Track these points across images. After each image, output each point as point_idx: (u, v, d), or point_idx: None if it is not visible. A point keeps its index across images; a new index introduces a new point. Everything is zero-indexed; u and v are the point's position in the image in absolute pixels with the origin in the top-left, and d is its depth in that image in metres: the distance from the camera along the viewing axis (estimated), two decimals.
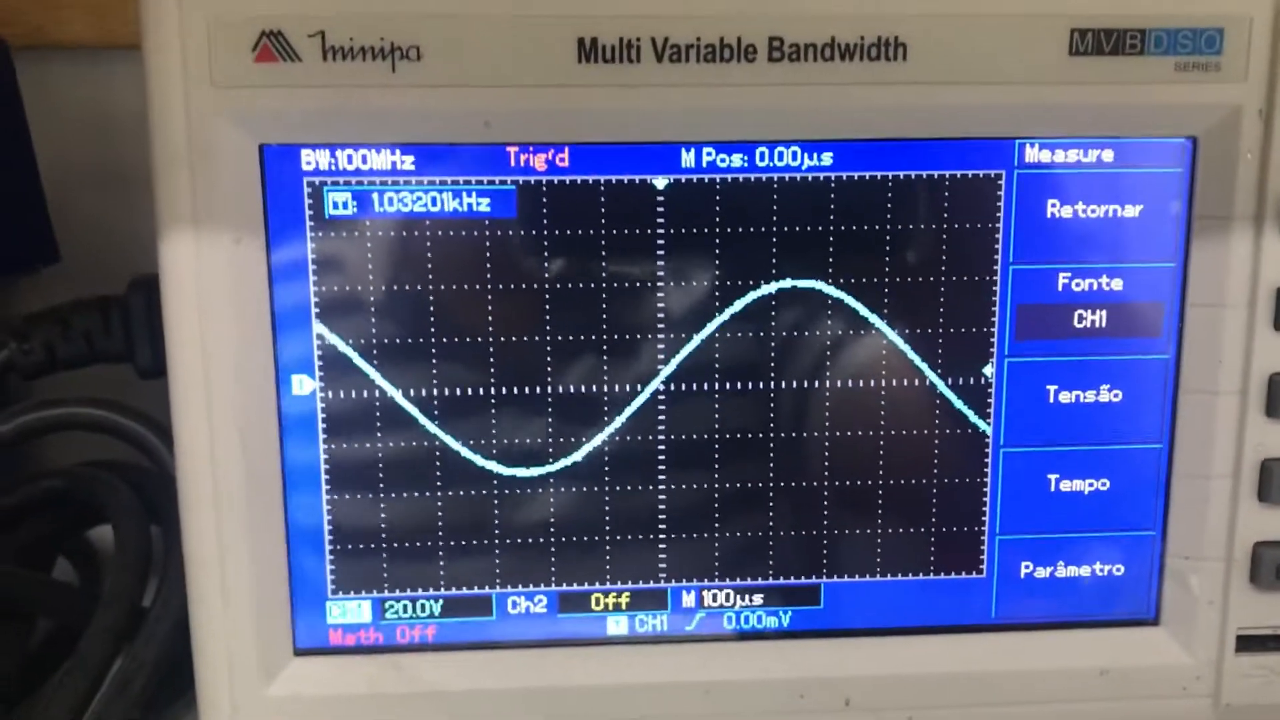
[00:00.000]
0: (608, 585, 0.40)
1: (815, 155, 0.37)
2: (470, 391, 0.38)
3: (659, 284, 0.38)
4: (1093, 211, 0.38)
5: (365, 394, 0.38)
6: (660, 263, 0.38)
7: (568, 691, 0.39)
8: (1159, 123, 0.37)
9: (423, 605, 0.40)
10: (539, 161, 0.37)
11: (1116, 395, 0.39)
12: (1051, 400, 0.39)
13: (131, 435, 0.45)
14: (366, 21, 0.35)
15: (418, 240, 0.37)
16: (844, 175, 0.37)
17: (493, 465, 0.39)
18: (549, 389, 0.39)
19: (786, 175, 0.37)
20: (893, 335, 0.39)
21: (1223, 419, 0.39)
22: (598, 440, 0.39)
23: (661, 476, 0.39)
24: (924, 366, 0.39)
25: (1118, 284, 0.39)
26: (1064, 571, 0.41)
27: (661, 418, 0.39)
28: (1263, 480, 0.39)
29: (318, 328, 0.38)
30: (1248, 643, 0.40)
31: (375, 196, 0.37)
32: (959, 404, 0.39)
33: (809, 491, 0.40)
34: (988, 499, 0.40)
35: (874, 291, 0.38)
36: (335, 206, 0.37)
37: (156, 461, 0.45)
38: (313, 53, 0.35)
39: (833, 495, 0.40)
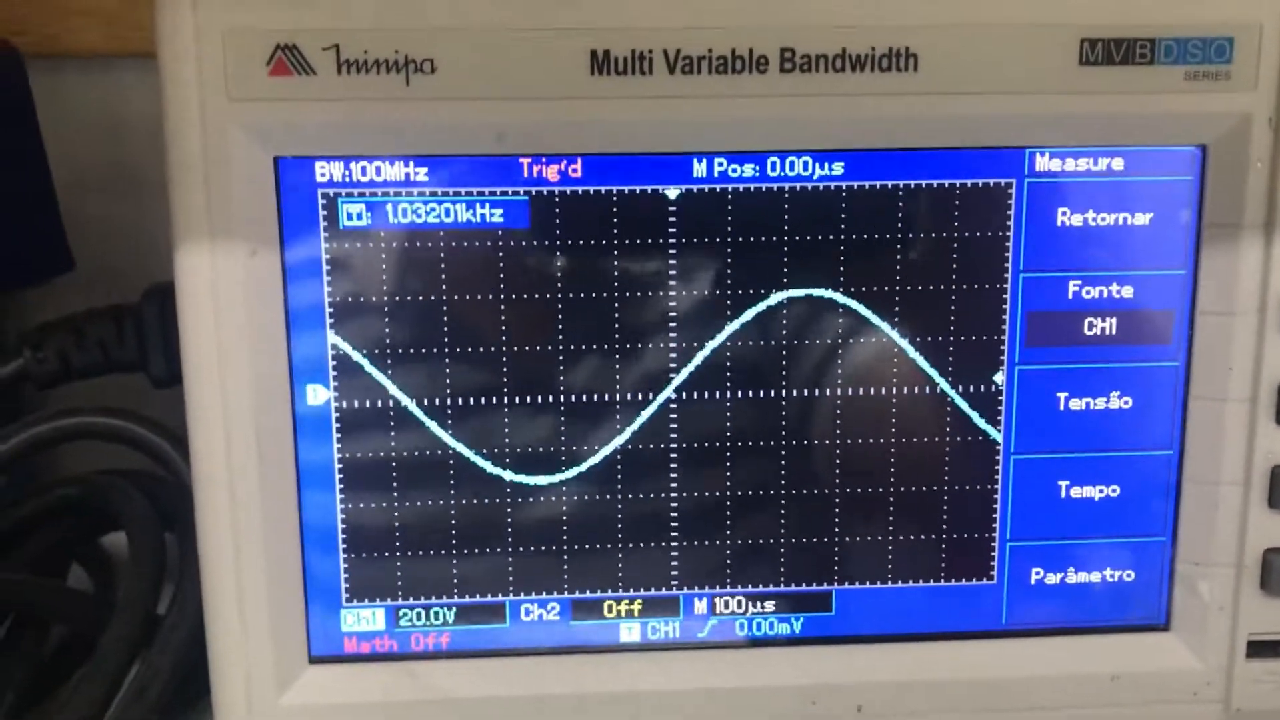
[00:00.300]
0: (620, 592, 0.40)
1: (826, 165, 0.37)
2: (483, 400, 0.39)
3: (671, 293, 0.38)
4: (1103, 220, 0.38)
5: (379, 403, 0.38)
6: (672, 272, 0.38)
7: (581, 698, 0.40)
8: (1169, 131, 0.38)
9: (436, 613, 0.40)
10: (552, 172, 0.37)
11: (1127, 402, 0.40)
12: (1062, 407, 0.39)
13: (146, 444, 0.45)
14: (380, 35, 0.35)
15: (431, 251, 0.37)
16: (855, 185, 0.38)
17: (506, 473, 0.39)
18: (561, 397, 0.39)
19: (798, 185, 0.38)
20: (903, 343, 0.39)
21: (1233, 426, 0.39)
22: (610, 448, 0.39)
23: (673, 484, 0.40)
24: (934, 374, 0.39)
25: (1128, 291, 0.39)
26: (1074, 577, 0.41)
27: (673, 425, 0.39)
28: (1273, 487, 0.39)
29: (332, 338, 0.38)
30: (1258, 648, 0.40)
31: (389, 208, 0.37)
32: (969, 411, 0.39)
33: (820, 498, 0.40)
34: (998, 505, 0.40)
35: (885, 300, 0.39)
36: (350, 218, 0.37)
37: (171, 470, 0.45)
38: (327, 66, 0.35)
39: (844, 502, 0.40)
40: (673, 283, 0.38)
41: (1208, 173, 0.38)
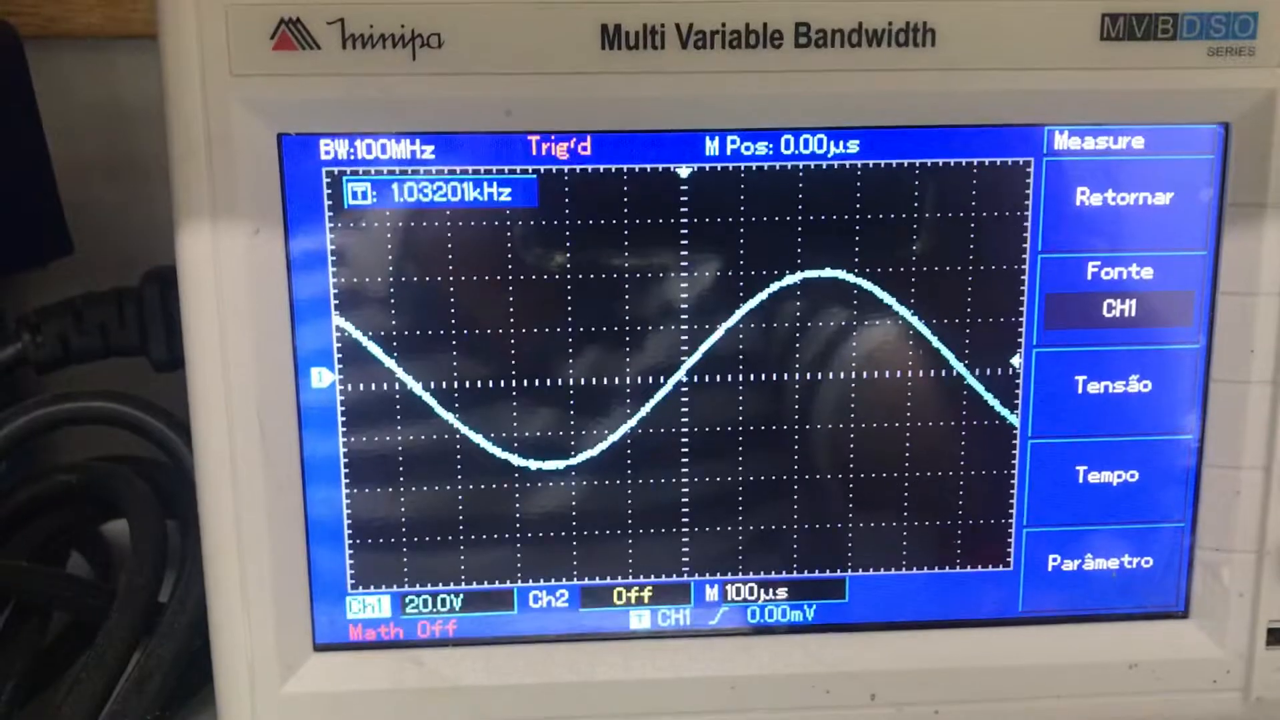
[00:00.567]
0: (630, 579, 0.40)
1: (841, 143, 0.37)
2: (491, 384, 0.38)
3: (682, 274, 0.37)
4: (1122, 199, 0.38)
5: (385, 386, 0.38)
6: (684, 252, 0.37)
7: (590, 686, 0.39)
8: (1191, 109, 0.37)
9: (443, 600, 0.39)
10: (561, 150, 0.36)
11: (1146, 385, 0.39)
12: (1080, 391, 0.39)
13: (147, 429, 0.44)
14: (387, 9, 0.34)
15: (438, 230, 0.37)
16: (870, 163, 0.37)
17: (514, 458, 0.38)
18: (570, 381, 0.38)
19: (812, 163, 0.37)
20: (919, 325, 0.38)
21: (1254, 409, 0.38)
22: (620, 433, 0.39)
23: (684, 469, 0.39)
24: (951, 357, 0.38)
25: (1148, 273, 0.38)
26: (1092, 564, 0.40)
27: (684, 409, 0.39)
28: None
29: (337, 319, 0.37)
30: (1279, 636, 0.39)
31: (395, 186, 0.36)
32: (986, 395, 0.39)
33: (833, 484, 0.39)
34: (1015, 491, 0.39)
35: (900, 281, 0.38)
36: (354, 196, 0.36)
37: (172, 455, 0.45)
38: (332, 41, 0.34)
39: (857, 488, 0.39)
40: (684, 264, 0.37)
41: (1230, 151, 0.37)
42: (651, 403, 0.38)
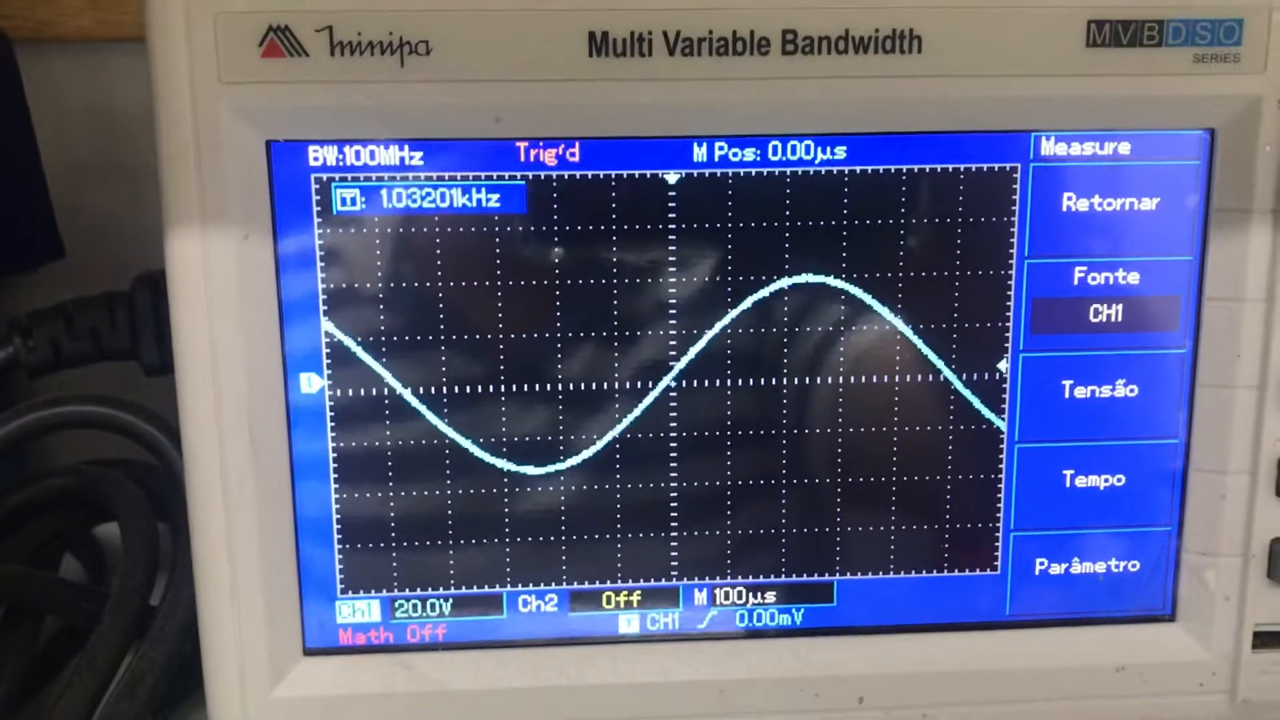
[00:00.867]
0: (619, 583, 0.40)
1: (829, 149, 0.37)
2: (480, 388, 0.38)
3: (670, 279, 0.38)
4: (1109, 205, 0.38)
5: (374, 391, 0.38)
6: (672, 258, 0.37)
7: (579, 690, 0.39)
8: (1177, 115, 0.37)
9: (433, 604, 0.39)
10: (549, 156, 0.36)
11: (1133, 390, 0.39)
12: (1067, 395, 0.39)
13: (138, 433, 0.45)
14: (375, 16, 0.34)
15: (427, 236, 0.37)
16: (858, 169, 0.37)
17: (503, 462, 0.39)
18: (559, 385, 0.38)
19: (800, 169, 0.37)
20: (906, 330, 0.38)
21: (1240, 414, 0.38)
22: (608, 437, 0.39)
23: (673, 473, 0.39)
24: (938, 362, 0.39)
25: (1134, 278, 0.38)
26: (1079, 568, 0.40)
27: (673, 414, 0.39)
28: None
29: (326, 324, 0.37)
30: (1265, 638, 0.40)
31: (384, 192, 0.36)
32: (973, 399, 0.39)
33: (821, 488, 0.39)
34: (1002, 495, 0.40)
35: (888, 286, 0.38)
36: (343, 203, 0.36)
37: (163, 459, 0.45)
38: (320, 48, 0.34)
39: (845, 492, 0.39)
40: (672, 269, 0.38)
41: (1216, 157, 0.37)
42: (640, 407, 0.39)
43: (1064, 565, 0.40)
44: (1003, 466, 0.39)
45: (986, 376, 0.39)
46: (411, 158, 0.36)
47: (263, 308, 0.37)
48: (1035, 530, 0.40)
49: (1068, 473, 0.40)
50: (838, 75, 0.35)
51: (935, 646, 0.40)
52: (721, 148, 0.37)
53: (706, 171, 0.37)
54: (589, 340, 0.38)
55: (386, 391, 0.38)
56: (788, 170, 0.37)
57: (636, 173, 0.37)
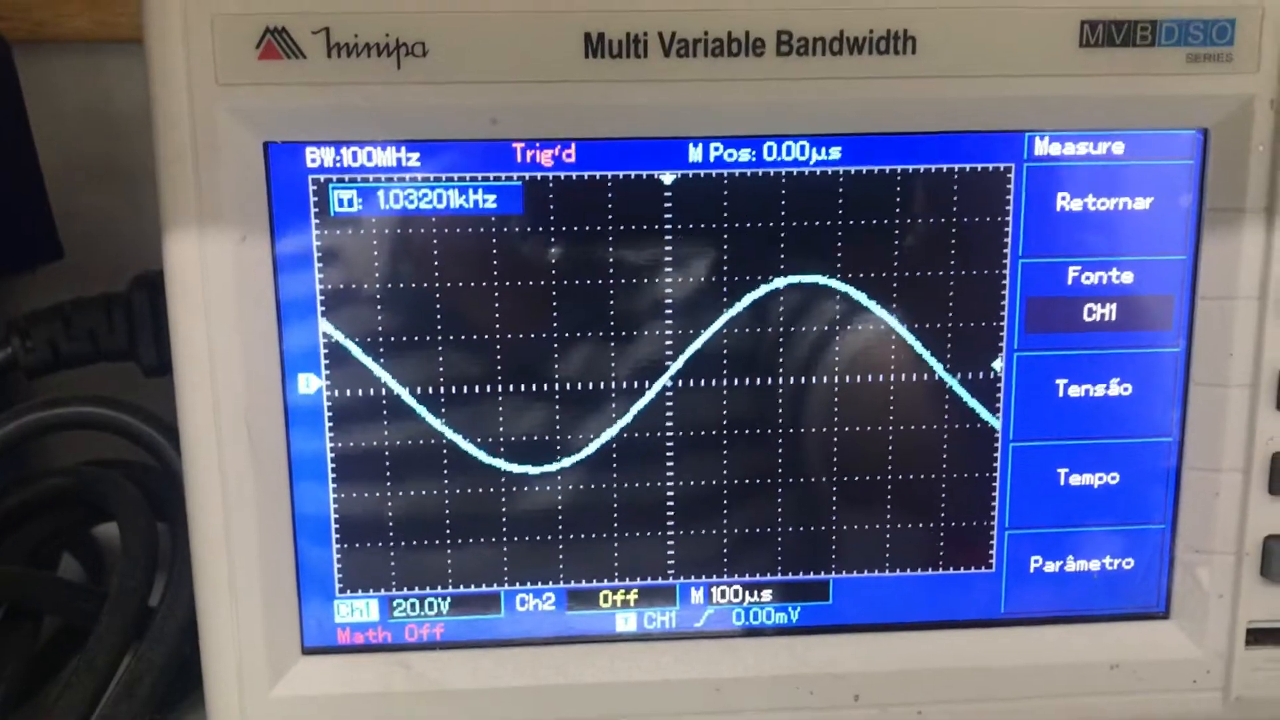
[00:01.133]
0: (616, 582, 0.40)
1: (824, 150, 0.37)
2: (477, 388, 0.38)
3: (666, 279, 0.38)
4: (1103, 204, 0.38)
5: (372, 392, 0.38)
6: (668, 258, 0.38)
7: (577, 689, 0.39)
8: (1170, 115, 0.37)
9: (431, 603, 0.40)
10: (545, 157, 0.37)
11: (1126, 389, 0.39)
12: (1061, 394, 0.39)
13: (136, 433, 0.45)
14: (371, 18, 0.34)
15: (424, 237, 0.37)
16: (853, 170, 0.37)
17: (500, 462, 0.39)
18: (556, 385, 0.38)
19: (795, 170, 0.37)
20: (901, 330, 0.39)
21: (1233, 412, 0.38)
22: (605, 436, 0.39)
23: (669, 473, 0.39)
24: (933, 361, 0.39)
25: (1128, 277, 0.39)
26: (1073, 565, 0.40)
27: (669, 413, 0.39)
28: (1273, 473, 0.38)
29: (324, 325, 0.37)
30: (1258, 636, 0.40)
31: (381, 193, 0.37)
32: (968, 398, 0.39)
33: (817, 487, 0.40)
34: (997, 493, 0.40)
35: (883, 286, 0.38)
36: (341, 204, 0.37)
37: (161, 459, 0.45)
38: (317, 50, 0.34)
39: (841, 491, 0.40)
40: (668, 269, 0.38)
41: (1209, 156, 0.37)
42: (637, 407, 0.39)
43: (1058, 563, 0.40)
44: (998, 465, 0.40)
45: (981, 375, 0.39)
46: (408, 159, 0.36)
47: (261, 308, 0.37)
48: (1030, 528, 0.40)
49: (1062, 471, 0.40)
50: (832, 76, 0.35)
51: (930, 644, 0.40)
52: (717, 148, 0.37)
53: (702, 172, 0.37)
54: (585, 340, 0.38)
55: (384, 392, 0.38)
56: (783, 171, 0.37)
57: (632, 173, 0.37)
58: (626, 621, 0.40)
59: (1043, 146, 0.37)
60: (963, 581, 0.40)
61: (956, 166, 0.37)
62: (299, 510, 0.38)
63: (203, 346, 0.36)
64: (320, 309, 0.37)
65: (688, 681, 0.39)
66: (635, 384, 0.39)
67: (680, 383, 0.39)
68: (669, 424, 0.39)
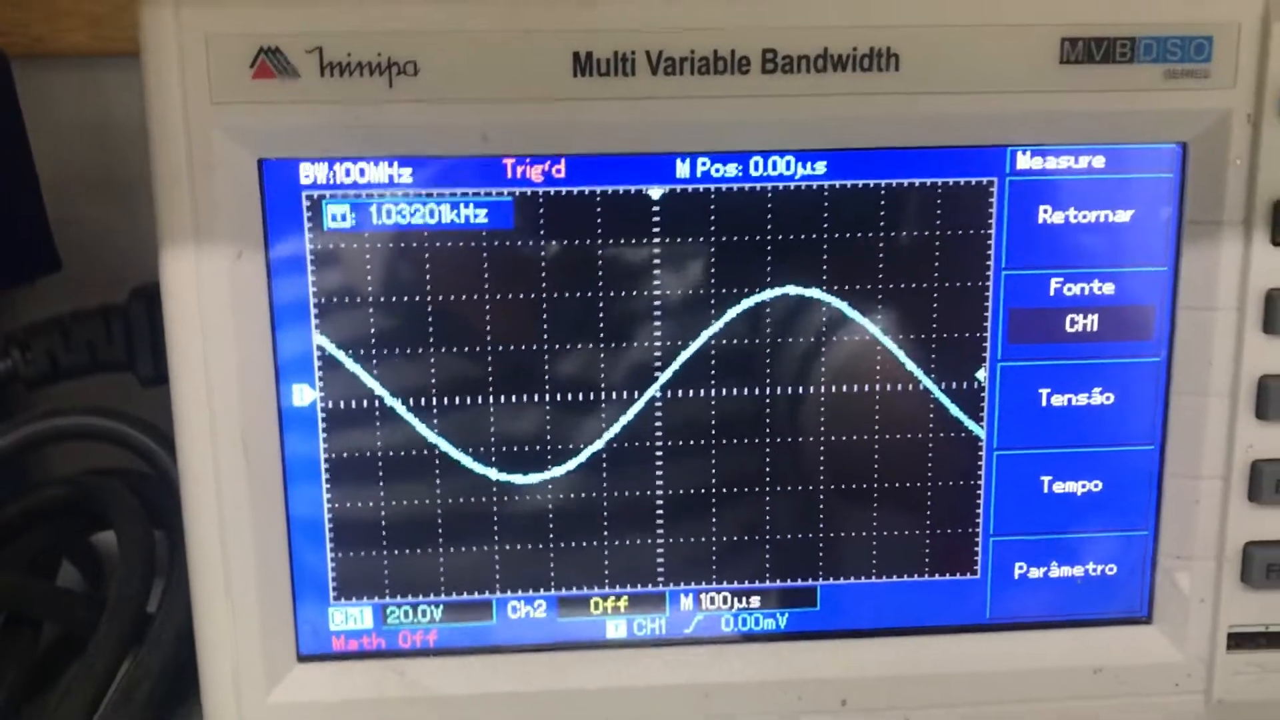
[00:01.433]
0: (606, 589, 0.40)
1: (809, 164, 0.38)
2: (469, 400, 0.39)
3: (655, 292, 0.38)
4: (1084, 217, 0.39)
5: (365, 403, 0.39)
6: (656, 271, 0.38)
7: (569, 694, 0.40)
8: (1149, 129, 0.38)
9: (424, 610, 0.40)
10: (535, 173, 0.37)
11: (1108, 398, 0.40)
12: (1044, 403, 0.40)
13: (134, 444, 0.45)
14: (364, 38, 0.35)
15: (416, 252, 0.38)
16: (838, 184, 0.38)
17: (492, 472, 0.39)
18: (547, 396, 0.39)
19: (781, 184, 0.38)
20: (886, 340, 0.39)
21: (1213, 421, 0.39)
22: (596, 446, 0.39)
23: (659, 481, 0.40)
24: (918, 371, 0.39)
25: (1109, 288, 0.39)
26: (1057, 571, 0.41)
27: (658, 423, 0.39)
28: (1253, 481, 0.39)
29: (318, 338, 0.38)
30: (1239, 640, 0.40)
31: (374, 209, 0.37)
32: (953, 408, 0.40)
33: (805, 495, 0.40)
34: (982, 501, 0.40)
35: (868, 298, 0.39)
36: (334, 219, 0.37)
37: (159, 469, 0.46)
38: (310, 69, 0.35)
39: (828, 498, 0.40)
40: (657, 282, 0.38)
41: (1188, 170, 0.38)
42: (626, 417, 0.39)
43: (1043, 569, 0.41)
44: (982, 473, 0.40)
45: (965, 385, 0.40)
46: (400, 175, 0.37)
47: (255, 321, 0.37)
48: (1014, 535, 0.41)
49: (1046, 479, 0.40)
50: (817, 93, 0.36)
51: (917, 649, 0.41)
52: (704, 164, 0.38)
53: (690, 187, 0.38)
54: (576, 351, 0.39)
55: (377, 403, 0.39)
56: (769, 185, 0.38)
57: (621, 189, 0.38)
58: (617, 628, 0.41)
59: (1025, 161, 0.38)
60: (948, 588, 0.41)
61: (940, 181, 0.38)
62: (294, 519, 0.39)
63: (198, 359, 0.37)
64: (314, 322, 0.38)
65: (677, 687, 0.40)
66: (625, 394, 0.39)
67: (669, 393, 0.39)
68: (658, 433, 0.39)
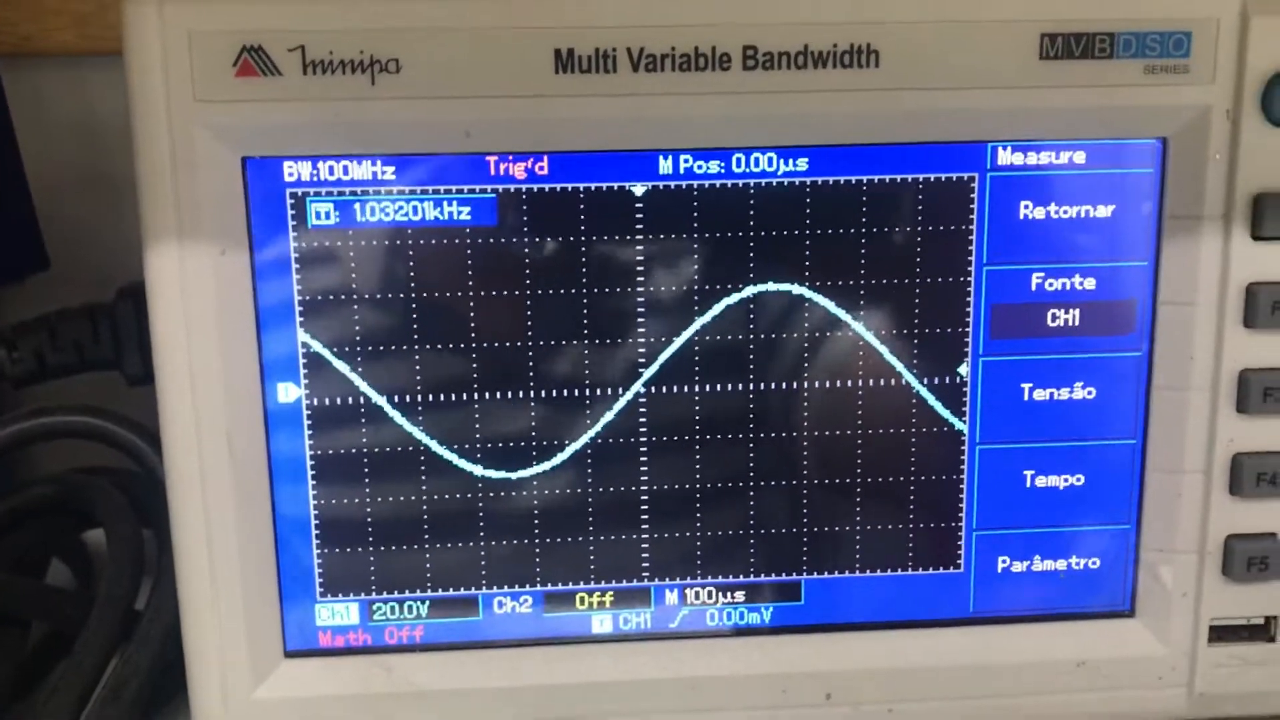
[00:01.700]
0: (592, 584, 0.41)
1: (791, 161, 0.38)
2: (454, 396, 0.39)
3: (639, 288, 0.39)
4: (1065, 212, 0.39)
5: (350, 400, 0.39)
6: (640, 268, 0.38)
7: (554, 689, 0.40)
8: (1129, 124, 0.38)
9: (410, 606, 0.40)
10: (519, 170, 0.37)
11: (1090, 392, 0.40)
12: (1026, 398, 0.40)
13: (122, 442, 0.45)
14: (346, 35, 0.35)
15: (400, 249, 0.38)
16: (819, 180, 0.38)
17: (477, 468, 0.40)
18: (531, 392, 0.39)
19: (763, 181, 0.38)
20: (869, 336, 0.39)
21: (1194, 414, 0.39)
22: (580, 442, 0.40)
23: (644, 477, 0.40)
24: (900, 366, 0.40)
25: (1090, 283, 0.39)
26: (1040, 565, 0.41)
27: (643, 419, 0.40)
28: (1234, 474, 0.39)
29: (302, 335, 0.38)
30: (1220, 633, 0.41)
31: (357, 206, 0.37)
32: (935, 403, 0.40)
33: (789, 490, 0.40)
34: (964, 495, 0.41)
35: (850, 294, 0.39)
36: (318, 217, 0.37)
37: (146, 467, 0.46)
38: (293, 67, 0.35)
39: (812, 493, 0.40)
40: (640, 278, 0.38)
41: (1168, 165, 0.38)
42: (611, 413, 0.39)
43: (1025, 563, 0.41)
44: (965, 468, 0.40)
45: (948, 380, 0.40)
46: (384, 172, 0.37)
47: (240, 319, 0.38)
48: (997, 529, 0.41)
49: (1028, 473, 0.41)
50: (798, 90, 0.36)
51: (901, 643, 0.41)
52: (686, 160, 0.38)
53: (672, 183, 0.38)
54: (560, 348, 0.39)
55: (362, 400, 0.39)
56: (751, 182, 0.38)
57: (604, 185, 0.38)
58: (602, 623, 0.41)
59: (1005, 156, 0.38)
60: (932, 582, 0.41)
61: (921, 176, 0.38)
62: (280, 516, 0.39)
63: (184, 357, 0.37)
64: (299, 319, 0.38)
65: (662, 681, 0.40)
66: (609, 390, 0.39)
67: (653, 389, 0.39)
68: (642, 429, 0.40)
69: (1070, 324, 0.40)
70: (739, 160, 0.38)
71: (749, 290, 0.39)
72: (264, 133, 0.36)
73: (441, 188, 0.37)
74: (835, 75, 0.36)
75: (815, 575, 0.41)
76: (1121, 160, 0.39)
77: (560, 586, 0.41)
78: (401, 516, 0.40)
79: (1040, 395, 0.40)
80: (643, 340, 0.39)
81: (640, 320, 0.39)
